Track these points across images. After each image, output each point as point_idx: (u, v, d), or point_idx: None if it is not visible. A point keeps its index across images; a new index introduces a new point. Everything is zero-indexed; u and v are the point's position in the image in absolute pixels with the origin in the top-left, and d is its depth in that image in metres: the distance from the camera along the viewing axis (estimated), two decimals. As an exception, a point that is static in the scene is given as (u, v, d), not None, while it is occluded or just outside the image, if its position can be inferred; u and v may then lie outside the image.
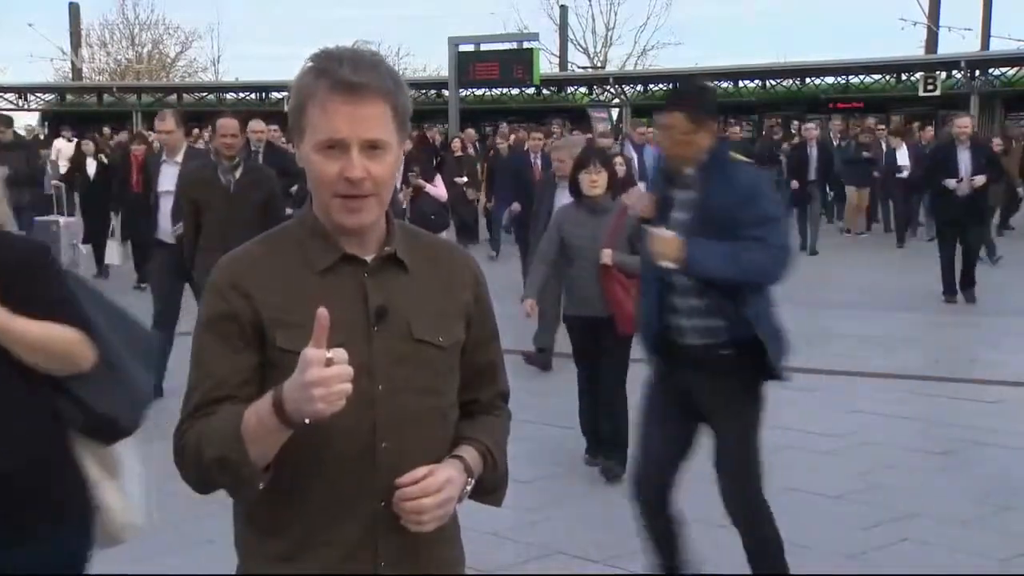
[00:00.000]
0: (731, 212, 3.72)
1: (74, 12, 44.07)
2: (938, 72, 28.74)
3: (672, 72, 35.33)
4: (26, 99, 39.10)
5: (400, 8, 77.36)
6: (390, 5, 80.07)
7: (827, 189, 16.80)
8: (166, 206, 7.79)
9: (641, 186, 14.46)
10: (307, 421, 1.68)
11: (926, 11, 35.67)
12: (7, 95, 38.53)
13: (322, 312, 1.66)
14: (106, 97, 38.61)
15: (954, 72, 29.15)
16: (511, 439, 2.12)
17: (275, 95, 33.84)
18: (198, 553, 4.67)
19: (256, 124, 10.74)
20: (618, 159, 8.17)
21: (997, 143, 16.18)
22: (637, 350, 4.47)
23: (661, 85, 34.30)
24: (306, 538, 1.87)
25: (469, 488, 1.95)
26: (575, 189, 6.01)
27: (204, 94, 39.86)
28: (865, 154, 18.07)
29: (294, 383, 1.67)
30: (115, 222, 12.37)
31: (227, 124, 7.09)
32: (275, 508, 1.86)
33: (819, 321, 10.30)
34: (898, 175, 16.91)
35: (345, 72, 1.80)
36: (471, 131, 22.55)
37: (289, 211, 8.38)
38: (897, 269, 14.64)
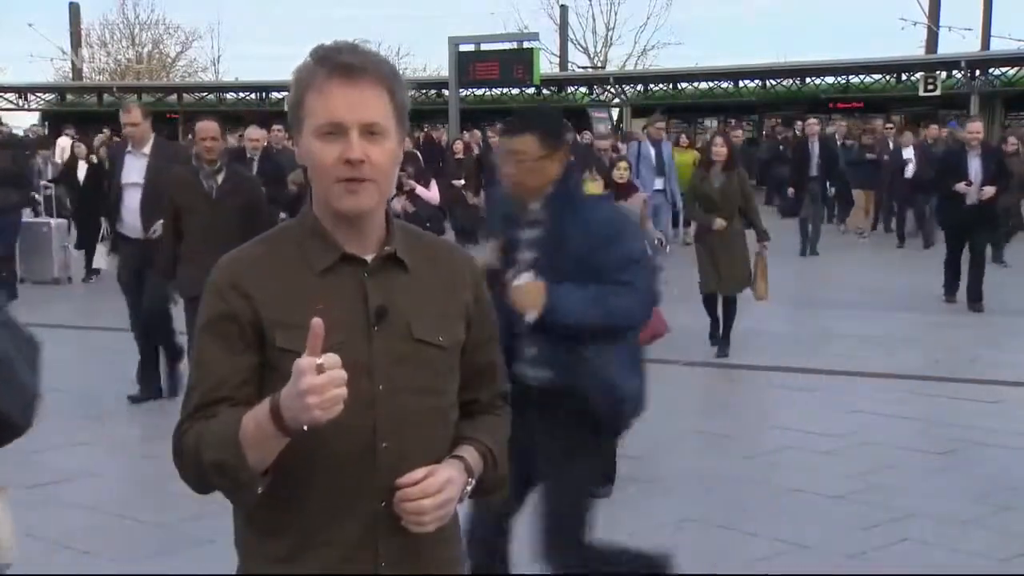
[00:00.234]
0: (590, 254, 3.40)
1: (74, 12, 44.16)
2: (938, 72, 28.77)
3: (672, 72, 35.43)
4: (26, 99, 39.22)
5: (400, 8, 77.68)
6: (390, 5, 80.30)
7: (827, 186, 16.60)
8: (131, 200, 7.44)
9: (659, 182, 14.57)
10: (305, 428, 1.67)
11: (926, 11, 35.69)
12: (7, 95, 38.64)
13: (316, 321, 1.65)
14: (106, 97, 38.63)
15: (954, 72, 29.16)
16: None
17: (275, 95, 33.92)
18: (198, 553, 4.66)
19: (253, 132, 10.41)
20: (622, 164, 8.12)
21: (1012, 142, 15.82)
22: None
23: (661, 85, 34.39)
24: (306, 538, 1.87)
25: (470, 488, 1.94)
26: None
27: (204, 94, 39.95)
28: (869, 155, 18.02)
29: (289, 392, 1.66)
30: (105, 225, 12.29)
31: (206, 127, 6.72)
32: (275, 508, 1.86)
33: (819, 321, 10.21)
34: (904, 172, 16.63)
35: (344, 56, 1.82)
36: (476, 132, 22.21)
37: (283, 216, 8.34)
38: (897, 269, 14.64)
